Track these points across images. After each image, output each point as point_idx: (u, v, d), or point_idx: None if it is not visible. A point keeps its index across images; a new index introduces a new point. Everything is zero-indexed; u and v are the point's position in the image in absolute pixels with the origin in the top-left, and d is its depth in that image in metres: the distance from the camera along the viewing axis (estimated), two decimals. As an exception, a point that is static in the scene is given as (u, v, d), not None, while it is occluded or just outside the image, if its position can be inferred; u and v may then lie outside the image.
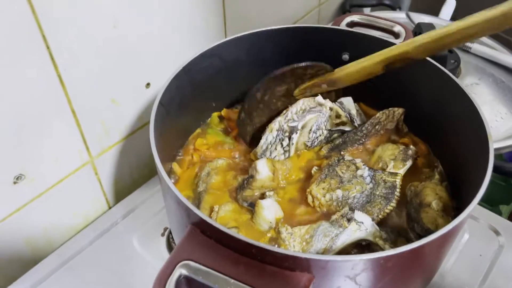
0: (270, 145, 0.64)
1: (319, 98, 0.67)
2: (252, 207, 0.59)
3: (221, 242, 0.44)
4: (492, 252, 0.66)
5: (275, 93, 0.68)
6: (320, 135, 0.68)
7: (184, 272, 0.41)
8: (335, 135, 0.70)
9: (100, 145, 0.70)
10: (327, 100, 0.68)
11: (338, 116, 0.68)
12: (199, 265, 0.42)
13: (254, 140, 0.68)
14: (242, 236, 0.42)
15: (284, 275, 0.42)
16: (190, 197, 0.62)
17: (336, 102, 0.69)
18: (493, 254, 0.66)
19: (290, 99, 0.69)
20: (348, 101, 0.70)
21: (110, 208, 0.76)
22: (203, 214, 0.44)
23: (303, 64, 0.66)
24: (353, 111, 0.70)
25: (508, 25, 0.49)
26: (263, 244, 0.42)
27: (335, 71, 0.67)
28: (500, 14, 0.48)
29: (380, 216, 0.57)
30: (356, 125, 0.70)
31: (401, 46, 0.58)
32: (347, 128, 0.70)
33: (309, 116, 0.65)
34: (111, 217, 0.73)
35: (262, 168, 0.61)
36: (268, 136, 0.64)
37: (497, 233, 0.69)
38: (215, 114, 0.74)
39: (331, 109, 0.67)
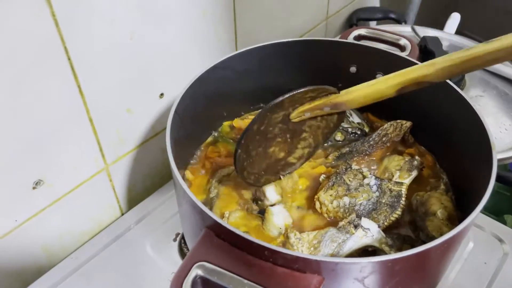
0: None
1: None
2: (262, 214, 0.61)
3: (235, 244, 0.46)
4: (497, 260, 0.67)
5: (272, 120, 0.61)
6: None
7: (200, 272, 0.43)
8: (340, 143, 0.73)
9: (115, 153, 0.71)
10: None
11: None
12: (214, 266, 0.44)
13: (250, 175, 0.63)
14: (255, 238, 0.44)
15: (295, 276, 0.44)
16: (203, 201, 0.64)
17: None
18: (498, 262, 0.67)
19: (288, 124, 0.63)
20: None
21: (123, 214, 0.77)
22: (217, 218, 0.46)
23: (303, 89, 0.60)
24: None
25: None
26: (275, 246, 0.44)
27: (340, 93, 0.61)
28: None
29: (386, 223, 0.59)
30: (351, 120, 0.72)
31: (419, 69, 0.53)
32: (345, 125, 0.72)
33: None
34: (124, 223, 0.74)
35: (271, 195, 0.63)
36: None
37: (501, 241, 0.70)
38: (226, 124, 0.76)
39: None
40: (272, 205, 0.63)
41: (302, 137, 0.66)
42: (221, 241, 0.46)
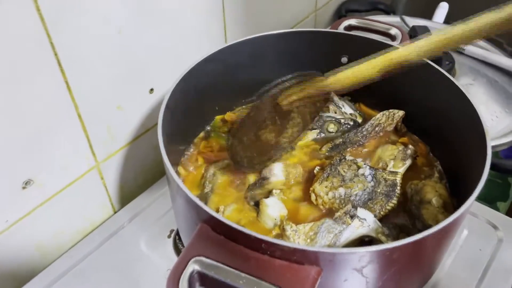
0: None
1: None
2: (257, 206, 0.61)
3: (231, 238, 0.45)
4: (491, 246, 0.67)
5: (261, 109, 0.65)
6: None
7: (196, 267, 0.43)
8: (333, 134, 0.73)
9: (106, 150, 0.70)
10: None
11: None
12: (211, 260, 0.44)
13: (243, 159, 0.65)
14: (251, 231, 0.44)
15: (293, 268, 0.44)
16: (198, 197, 0.64)
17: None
18: (492, 249, 0.67)
19: (276, 109, 0.65)
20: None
21: (115, 212, 0.76)
22: (213, 211, 0.45)
23: (289, 76, 0.63)
24: (335, 98, 0.73)
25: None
26: (272, 238, 0.43)
27: (326, 76, 0.63)
28: (506, 16, 0.47)
29: (382, 213, 0.58)
30: (343, 111, 0.72)
31: (399, 50, 0.57)
32: (338, 116, 0.72)
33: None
34: (117, 221, 0.73)
35: (279, 172, 0.62)
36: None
37: (495, 228, 0.70)
38: (218, 118, 0.75)
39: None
40: (269, 193, 0.62)
41: (291, 117, 0.67)
42: (217, 235, 0.46)
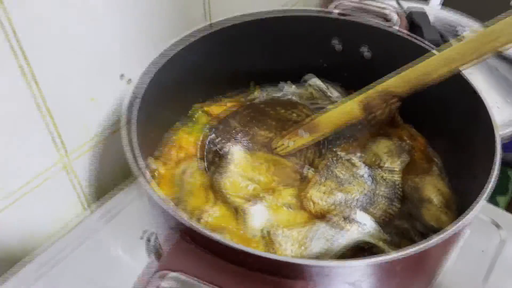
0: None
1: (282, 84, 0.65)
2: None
3: (212, 250, 0.40)
4: (494, 247, 0.64)
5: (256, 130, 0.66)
6: None
7: (165, 286, 0.37)
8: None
9: (78, 146, 0.65)
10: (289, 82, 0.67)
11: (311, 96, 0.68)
12: (187, 277, 0.38)
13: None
14: (235, 243, 0.38)
15: (280, 284, 0.38)
16: (171, 198, 0.58)
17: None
18: (495, 249, 0.63)
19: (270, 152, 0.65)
20: (309, 76, 0.70)
21: (91, 212, 0.71)
22: (190, 221, 0.40)
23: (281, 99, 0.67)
24: (318, 82, 0.68)
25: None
26: (257, 251, 0.38)
27: (314, 116, 0.62)
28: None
29: (385, 218, 0.54)
30: (329, 95, 0.68)
31: (381, 83, 0.54)
32: (324, 102, 0.67)
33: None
34: (92, 222, 0.67)
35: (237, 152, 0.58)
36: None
37: (498, 227, 0.66)
38: (197, 108, 0.69)
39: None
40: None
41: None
42: (196, 247, 0.40)
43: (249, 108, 0.68)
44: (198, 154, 0.63)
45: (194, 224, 0.39)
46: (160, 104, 0.60)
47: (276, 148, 0.64)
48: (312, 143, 0.63)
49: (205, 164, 0.61)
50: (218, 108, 0.69)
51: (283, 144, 0.64)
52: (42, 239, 0.66)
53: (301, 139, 0.63)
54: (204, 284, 0.37)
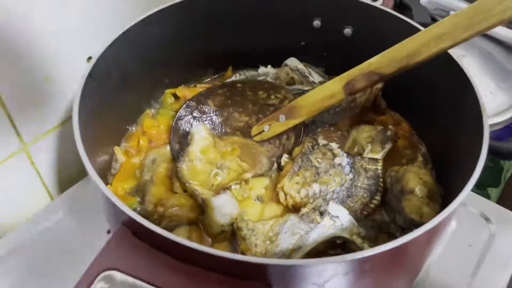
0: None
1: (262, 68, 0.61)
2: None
3: (157, 246, 0.35)
4: (483, 241, 0.59)
5: (231, 116, 0.62)
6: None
7: (105, 286, 0.33)
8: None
9: (34, 131, 0.61)
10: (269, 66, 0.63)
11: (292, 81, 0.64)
12: (126, 275, 0.33)
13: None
14: (181, 239, 0.34)
15: (235, 285, 0.34)
16: (134, 188, 0.53)
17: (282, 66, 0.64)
18: (484, 244, 0.59)
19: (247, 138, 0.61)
20: (291, 60, 0.66)
21: (52, 200, 0.67)
22: (133, 212, 0.35)
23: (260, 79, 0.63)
24: (300, 66, 0.64)
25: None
26: (208, 248, 0.33)
27: (295, 99, 0.58)
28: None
29: (364, 212, 0.50)
30: (312, 80, 0.64)
31: (365, 62, 0.50)
32: (305, 88, 0.62)
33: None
34: (53, 212, 0.63)
35: (199, 131, 0.53)
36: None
37: (487, 220, 0.62)
38: (168, 92, 0.64)
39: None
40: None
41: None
42: (140, 242, 0.35)
43: (225, 87, 0.62)
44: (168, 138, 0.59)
45: (133, 214, 0.34)
46: (125, 87, 0.56)
47: (254, 135, 0.60)
48: (289, 128, 0.58)
49: (172, 146, 0.57)
50: (191, 92, 0.64)
51: (261, 130, 0.60)
52: (2, 228, 0.62)
53: (278, 124, 0.59)
54: (144, 283, 0.32)
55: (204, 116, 0.60)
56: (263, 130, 0.60)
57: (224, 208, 0.48)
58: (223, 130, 0.61)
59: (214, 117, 0.61)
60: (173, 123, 0.59)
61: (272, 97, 0.61)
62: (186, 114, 0.60)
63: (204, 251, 0.33)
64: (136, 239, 0.36)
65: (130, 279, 0.33)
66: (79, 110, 0.44)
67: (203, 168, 0.52)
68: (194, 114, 0.60)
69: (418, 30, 0.52)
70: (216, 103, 0.61)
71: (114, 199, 0.36)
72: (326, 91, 0.54)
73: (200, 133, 0.54)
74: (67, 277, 0.53)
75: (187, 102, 0.60)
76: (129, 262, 0.34)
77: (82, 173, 0.70)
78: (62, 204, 0.64)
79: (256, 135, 0.60)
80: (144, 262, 0.34)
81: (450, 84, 0.52)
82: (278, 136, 0.59)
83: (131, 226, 0.36)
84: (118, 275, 0.33)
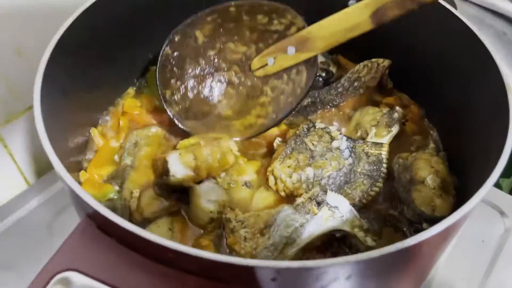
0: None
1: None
2: (184, 198, 0.46)
3: (126, 243, 0.30)
4: (497, 237, 0.55)
5: (227, 48, 0.54)
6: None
7: (60, 290, 0.27)
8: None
9: (6, 110, 0.56)
10: None
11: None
12: (87, 277, 0.28)
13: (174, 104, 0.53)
14: (153, 235, 0.28)
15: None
16: (112, 174, 0.48)
17: None
18: (498, 240, 0.55)
19: (246, 74, 0.54)
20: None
21: (29, 185, 0.63)
22: (95, 202, 0.29)
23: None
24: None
25: None
26: (185, 247, 0.28)
27: (307, 27, 0.49)
28: None
29: (364, 201, 0.46)
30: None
31: None
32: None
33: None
34: (29, 197, 0.59)
35: (175, 166, 0.45)
36: None
37: (502, 213, 0.57)
38: (153, 69, 0.58)
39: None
40: (197, 182, 0.46)
41: (260, 100, 0.53)
42: (106, 237, 0.30)
43: (215, 13, 0.52)
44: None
45: (96, 204, 0.29)
46: (103, 62, 0.51)
47: (255, 70, 0.53)
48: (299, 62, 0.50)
49: (162, 94, 0.51)
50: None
51: (264, 63, 0.52)
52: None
53: (285, 57, 0.50)
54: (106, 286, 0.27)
55: (192, 52, 0.53)
56: (267, 64, 0.52)
57: (210, 195, 0.44)
58: (218, 65, 0.53)
59: (205, 51, 0.53)
60: (158, 67, 0.52)
61: (275, 22, 0.51)
62: (172, 53, 0.52)
63: (181, 250, 0.28)
64: (101, 234, 0.30)
65: (91, 282, 0.28)
66: (45, 88, 0.39)
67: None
68: (181, 51, 0.53)
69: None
70: (206, 33, 0.53)
71: (74, 185, 0.30)
72: (349, 20, 0.46)
73: (178, 172, 0.45)
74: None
75: (170, 36, 0.52)
76: (92, 261, 0.29)
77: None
78: (39, 190, 0.60)
79: (258, 69, 0.53)
80: (110, 261, 0.29)
81: (467, 60, 0.47)
82: (286, 70, 0.51)
83: (95, 218, 0.30)
84: (78, 277, 0.28)
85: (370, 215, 0.44)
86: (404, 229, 0.44)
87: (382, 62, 0.56)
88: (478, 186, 0.35)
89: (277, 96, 0.53)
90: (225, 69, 0.54)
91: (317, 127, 0.49)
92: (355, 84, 0.55)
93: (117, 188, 0.47)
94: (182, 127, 0.51)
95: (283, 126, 0.53)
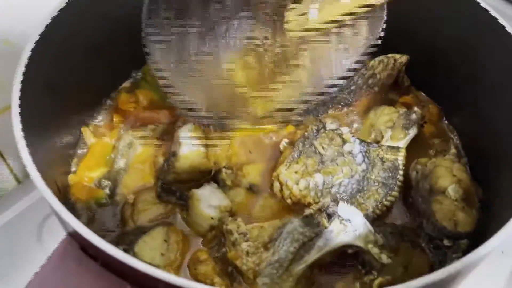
0: None
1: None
2: (183, 201, 0.43)
3: (111, 268, 0.26)
4: (519, 248, 0.52)
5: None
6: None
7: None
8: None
9: None
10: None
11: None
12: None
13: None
14: (142, 264, 0.25)
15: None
16: (104, 177, 0.45)
17: None
18: (520, 252, 0.52)
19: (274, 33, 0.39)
20: None
21: (20, 183, 0.61)
22: (76, 222, 0.26)
23: None
24: None
25: None
26: (179, 279, 0.25)
27: None
28: None
29: (377, 211, 0.43)
30: None
31: None
32: None
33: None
34: (20, 195, 0.57)
35: (185, 138, 0.43)
36: None
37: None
38: (150, 62, 0.55)
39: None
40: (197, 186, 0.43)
41: (293, 75, 0.40)
42: (89, 261, 0.27)
43: None
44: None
45: (78, 225, 0.25)
46: (93, 54, 0.47)
47: (288, 24, 0.38)
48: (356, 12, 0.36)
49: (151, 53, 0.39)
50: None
51: (300, 16, 0.37)
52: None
53: (336, 2, 0.35)
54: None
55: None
56: (306, 15, 0.36)
57: (211, 199, 0.41)
58: (230, 19, 0.39)
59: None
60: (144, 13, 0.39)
61: None
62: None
63: (171, 282, 0.24)
64: (85, 256, 0.27)
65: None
66: (27, 82, 0.36)
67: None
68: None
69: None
70: None
71: (52, 200, 0.27)
72: None
73: (185, 148, 0.43)
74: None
75: None
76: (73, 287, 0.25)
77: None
78: (29, 189, 0.57)
79: (292, 21, 0.37)
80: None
81: (493, 54, 0.44)
82: (336, 26, 0.37)
83: (77, 239, 0.27)
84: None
85: (386, 229, 0.41)
86: (423, 245, 0.41)
87: (400, 58, 0.53)
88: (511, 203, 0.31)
89: (318, 69, 0.39)
90: (243, 25, 0.39)
91: (327, 128, 0.46)
92: (370, 81, 0.52)
93: (108, 192, 0.44)
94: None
95: (290, 128, 0.49)
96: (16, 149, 0.56)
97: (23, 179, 0.61)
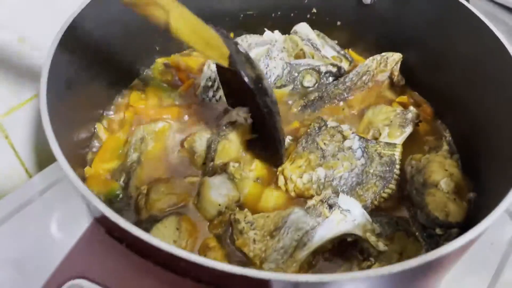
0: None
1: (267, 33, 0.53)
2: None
3: (136, 249, 0.29)
4: (506, 240, 0.54)
5: None
6: (274, 67, 0.53)
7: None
8: (310, 89, 0.56)
9: (7, 102, 0.55)
10: (276, 31, 0.53)
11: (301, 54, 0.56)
12: (96, 285, 0.27)
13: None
14: (164, 244, 0.27)
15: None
16: (118, 170, 0.47)
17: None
18: (508, 243, 0.53)
19: None
20: (301, 27, 0.57)
21: (30, 177, 0.62)
22: (104, 207, 0.28)
23: None
24: (312, 35, 0.57)
25: None
26: (198, 257, 0.27)
27: None
28: None
29: (375, 203, 0.45)
30: (323, 54, 0.56)
31: None
32: (316, 63, 0.55)
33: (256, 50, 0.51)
34: (29, 191, 0.57)
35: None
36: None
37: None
38: (159, 61, 0.58)
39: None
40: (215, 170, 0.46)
41: None
42: (115, 243, 0.29)
43: None
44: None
45: (105, 209, 0.28)
46: (108, 55, 0.50)
47: None
48: None
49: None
50: (190, 61, 0.58)
51: None
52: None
53: None
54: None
55: None
56: None
57: (221, 188, 0.44)
58: None
59: None
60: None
61: None
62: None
63: (194, 260, 0.26)
64: (110, 239, 0.29)
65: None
66: (50, 82, 0.38)
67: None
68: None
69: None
70: None
71: (83, 188, 0.29)
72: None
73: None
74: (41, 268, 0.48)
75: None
76: (101, 268, 0.28)
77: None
78: (39, 183, 0.58)
79: None
80: (120, 269, 0.28)
81: (484, 57, 0.46)
82: None
83: (104, 223, 0.29)
84: (87, 285, 0.27)
85: (383, 219, 0.43)
86: (417, 233, 0.43)
87: (392, 56, 0.55)
88: (498, 195, 0.34)
89: None
90: None
91: (328, 125, 0.48)
92: (364, 78, 0.54)
93: (122, 184, 0.46)
94: None
95: (295, 124, 0.51)
96: (27, 143, 0.58)
97: (34, 173, 0.62)
